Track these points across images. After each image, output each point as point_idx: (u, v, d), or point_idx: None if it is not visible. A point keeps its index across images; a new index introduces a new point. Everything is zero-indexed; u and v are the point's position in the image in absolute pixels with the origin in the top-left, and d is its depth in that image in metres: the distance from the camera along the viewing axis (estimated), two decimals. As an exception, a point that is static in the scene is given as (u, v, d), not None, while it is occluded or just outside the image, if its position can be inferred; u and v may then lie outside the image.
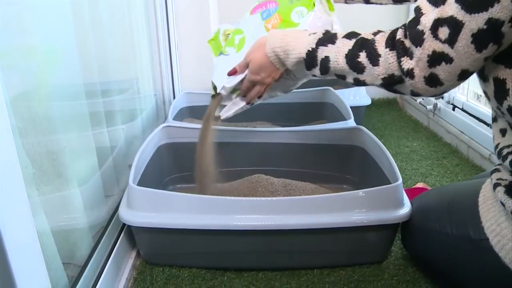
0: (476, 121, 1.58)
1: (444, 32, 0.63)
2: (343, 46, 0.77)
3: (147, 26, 1.61)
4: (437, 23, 0.63)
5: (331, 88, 1.68)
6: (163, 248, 0.99)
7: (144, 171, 1.11)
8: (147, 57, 1.59)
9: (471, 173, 1.46)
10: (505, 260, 0.72)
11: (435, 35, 0.64)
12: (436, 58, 0.65)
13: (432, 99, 1.88)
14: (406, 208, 0.94)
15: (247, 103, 1.03)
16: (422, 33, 0.65)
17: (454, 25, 0.62)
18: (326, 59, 0.79)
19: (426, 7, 0.65)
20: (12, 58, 0.69)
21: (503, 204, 0.72)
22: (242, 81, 0.99)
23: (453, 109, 1.75)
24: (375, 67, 0.73)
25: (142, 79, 1.51)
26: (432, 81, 0.67)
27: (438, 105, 1.84)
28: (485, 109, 1.57)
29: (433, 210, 0.90)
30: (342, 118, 1.47)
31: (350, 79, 0.79)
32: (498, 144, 0.79)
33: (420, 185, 1.29)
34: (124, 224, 1.02)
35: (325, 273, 0.98)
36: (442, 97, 1.82)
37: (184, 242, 0.97)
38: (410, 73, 0.68)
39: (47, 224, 0.72)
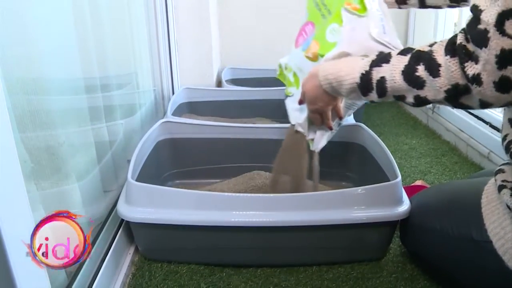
0: (475, 119, 1.58)
1: None
2: (399, 62, 0.71)
3: (146, 21, 1.60)
4: (503, 17, 0.56)
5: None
6: (162, 244, 0.99)
7: (143, 167, 1.11)
8: (146, 52, 1.59)
9: (470, 171, 1.46)
10: (508, 264, 0.72)
11: (502, 31, 0.57)
12: (506, 58, 0.58)
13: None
14: (405, 206, 0.94)
15: (330, 129, 1.00)
16: (485, 31, 0.58)
17: None
18: (382, 80, 0.74)
19: (484, 2, 0.59)
20: (12, 52, 0.68)
21: (509, 207, 0.71)
22: None
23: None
24: (436, 79, 0.66)
25: (142, 74, 1.51)
26: (504, 85, 0.60)
27: (437, 103, 1.84)
28: (485, 107, 1.57)
29: (433, 208, 0.90)
30: (342, 115, 1.46)
31: (410, 98, 0.72)
32: (506, 136, 0.76)
33: (418, 182, 1.29)
34: (122, 220, 1.02)
35: (324, 270, 0.98)
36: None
37: (183, 238, 0.97)
38: (476, 79, 0.61)
39: (45, 219, 0.72)
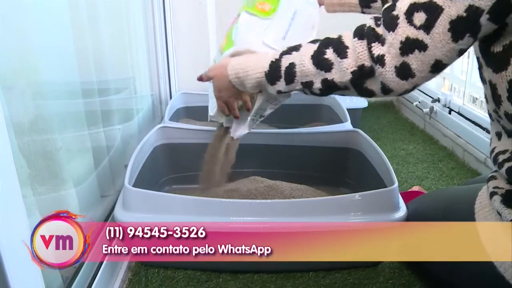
0: (472, 124, 1.58)
1: (420, 17, 0.61)
2: (309, 49, 0.74)
3: (144, 26, 1.60)
4: (413, 8, 0.62)
5: (328, 90, 1.68)
6: (158, 249, 0.99)
7: (140, 172, 1.10)
8: (144, 57, 1.59)
9: (467, 177, 1.47)
10: (500, 269, 0.72)
11: (410, 21, 0.62)
12: (409, 45, 0.62)
13: (429, 102, 1.88)
14: (401, 212, 0.94)
15: (235, 118, 0.96)
16: (396, 17, 0.63)
17: (432, 10, 0.60)
18: (290, 66, 0.75)
19: None
20: (9, 57, 0.68)
21: (499, 214, 0.72)
22: None
23: (449, 113, 1.76)
24: (344, 60, 0.68)
25: (139, 79, 1.51)
26: (403, 72, 0.64)
27: (434, 108, 1.85)
28: (481, 113, 1.57)
29: (429, 215, 0.90)
30: (339, 120, 1.47)
31: (317, 84, 0.73)
32: (494, 149, 0.78)
33: (416, 188, 1.29)
34: (119, 225, 1.02)
35: (321, 275, 0.98)
36: (439, 100, 1.83)
37: (180, 244, 0.96)
38: (380, 60, 0.65)
39: (42, 224, 0.71)
